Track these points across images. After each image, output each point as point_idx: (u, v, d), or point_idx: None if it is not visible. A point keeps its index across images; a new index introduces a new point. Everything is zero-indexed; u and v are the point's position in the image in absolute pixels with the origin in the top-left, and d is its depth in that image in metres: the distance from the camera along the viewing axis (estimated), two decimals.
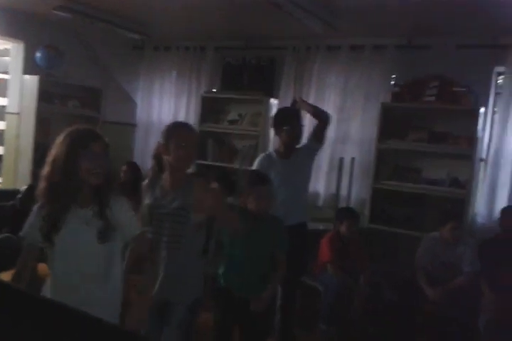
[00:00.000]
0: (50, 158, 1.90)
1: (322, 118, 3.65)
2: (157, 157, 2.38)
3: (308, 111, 3.76)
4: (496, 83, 4.64)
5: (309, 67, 5.31)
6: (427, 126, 4.68)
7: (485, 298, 3.73)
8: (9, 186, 5.20)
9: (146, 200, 2.36)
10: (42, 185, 1.90)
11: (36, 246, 1.93)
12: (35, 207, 1.95)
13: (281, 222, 2.90)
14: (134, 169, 5.12)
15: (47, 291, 1.94)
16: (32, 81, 5.28)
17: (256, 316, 2.70)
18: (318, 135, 3.63)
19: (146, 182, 2.43)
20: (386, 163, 4.84)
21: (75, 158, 1.84)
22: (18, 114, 5.29)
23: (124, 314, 2.06)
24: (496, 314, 3.62)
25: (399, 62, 4.84)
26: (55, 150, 1.90)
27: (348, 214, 4.17)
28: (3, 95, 5.53)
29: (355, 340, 3.88)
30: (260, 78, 5.57)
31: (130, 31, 5.55)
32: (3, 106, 5.51)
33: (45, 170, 1.90)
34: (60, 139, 1.91)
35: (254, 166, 3.56)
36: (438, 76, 4.59)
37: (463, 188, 4.39)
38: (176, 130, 2.34)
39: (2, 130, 5.51)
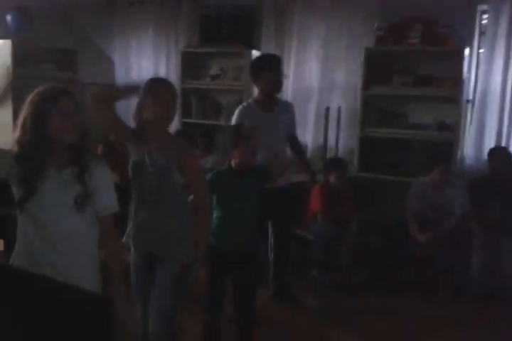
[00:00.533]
0: (19, 120, 1.84)
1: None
2: (137, 116, 2.32)
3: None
4: (480, 22, 4.52)
5: (289, 15, 5.13)
6: (412, 70, 4.60)
7: (477, 239, 3.79)
8: None
9: (132, 157, 2.35)
10: (14, 149, 1.85)
11: None
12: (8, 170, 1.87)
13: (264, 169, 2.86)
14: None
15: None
16: (5, 46, 5.10)
17: (247, 268, 2.74)
18: None
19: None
20: (372, 109, 4.79)
21: (44, 114, 1.78)
22: None
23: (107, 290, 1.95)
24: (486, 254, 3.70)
25: (381, 4, 4.68)
26: (24, 111, 1.83)
27: (335, 164, 4.20)
28: None
29: (345, 286, 3.96)
30: (240, 29, 5.38)
31: None
32: None
33: (16, 133, 1.84)
34: (28, 99, 1.84)
35: (234, 120, 3.44)
36: (421, 17, 4.47)
37: (450, 131, 4.38)
38: (152, 86, 2.28)
39: None
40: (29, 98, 1.84)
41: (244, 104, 3.57)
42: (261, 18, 5.28)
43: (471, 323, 3.44)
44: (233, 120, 3.43)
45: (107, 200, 1.94)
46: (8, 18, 5.03)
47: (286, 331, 3.31)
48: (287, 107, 3.71)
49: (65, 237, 1.86)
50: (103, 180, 1.92)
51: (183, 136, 4.53)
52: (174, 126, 5.52)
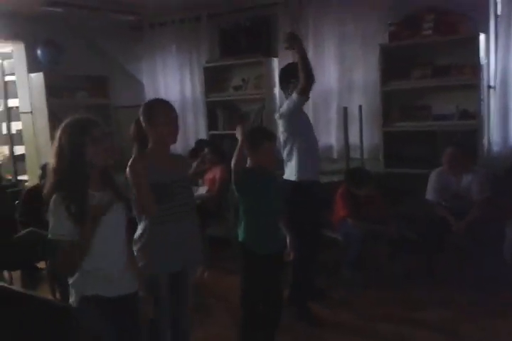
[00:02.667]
0: (54, 151, 1.96)
1: (307, 68, 3.29)
2: (138, 138, 2.43)
3: (299, 52, 3.29)
4: (495, 6, 4.42)
5: (303, 20, 5.22)
6: (429, 61, 4.56)
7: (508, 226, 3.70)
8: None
9: (151, 179, 2.33)
10: (52, 178, 1.95)
11: (67, 240, 1.91)
12: (51, 205, 1.93)
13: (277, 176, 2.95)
14: None
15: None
16: (38, 78, 5.45)
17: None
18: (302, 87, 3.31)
19: (136, 160, 2.37)
20: (393, 105, 4.78)
21: (79, 144, 1.91)
22: (30, 112, 5.50)
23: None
24: None
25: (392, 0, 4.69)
26: (57, 143, 1.96)
27: (364, 179, 4.11)
28: (15, 96, 5.74)
29: (382, 283, 3.96)
30: (257, 39, 5.52)
31: (124, 14, 5.59)
32: (17, 107, 5.73)
33: (52, 163, 1.96)
34: (59, 131, 1.97)
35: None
36: (432, 8, 4.43)
37: (473, 119, 4.29)
38: (156, 108, 2.39)
39: (20, 130, 5.75)
40: (61, 129, 1.98)
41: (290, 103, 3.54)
42: (277, 27, 5.39)
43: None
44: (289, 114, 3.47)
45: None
46: (39, 52, 5.36)
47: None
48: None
49: (120, 244, 2.11)
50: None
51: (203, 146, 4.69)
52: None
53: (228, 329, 3.20)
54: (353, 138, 4.92)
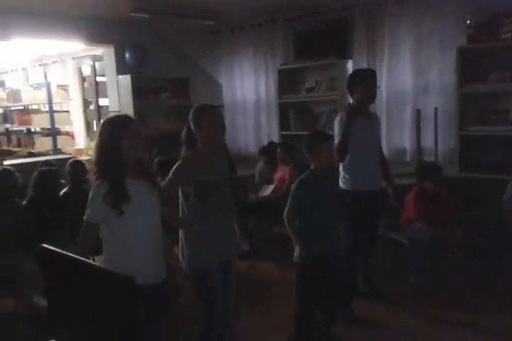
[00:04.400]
0: (96, 145, 2.20)
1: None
2: (188, 140, 2.66)
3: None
4: None
5: (380, 22, 5.23)
6: (508, 65, 4.42)
7: None
8: None
9: (199, 178, 2.54)
10: (95, 167, 2.17)
11: (96, 224, 2.16)
12: (92, 189, 2.16)
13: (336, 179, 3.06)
14: None
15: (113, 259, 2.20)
16: (125, 80, 5.85)
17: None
18: None
19: (183, 162, 2.61)
20: (470, 108, 4.67)
21: (119, 139, 2.12)
22: (119, 111, 5.91)
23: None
24: None
25: (470, 2, 4.60)
26: (99, 138, 2.18)
27: (430, 170, 4.11)
28: (105, 96, 6.20)
29: (449, 289, 3.91)
30: (332, 42, 5.59)
31: (204, 19, 5.87)
32: (107, 106, 6.18)
33: (95, 155, 2.19)
34: (100, 127, 2.21)
35: (337, 126, 3.52)
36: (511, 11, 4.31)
37: None
38: (203, 112, 2.58)
39: None
40: (101, 126, 2.22)
41: (342, 111, 3.64)
42: (352, 29, 5.44)
43: None
44: (338, 124, 3.54)
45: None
46: (127, 55, 5.76)
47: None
48: (377, 118, 3.82)
49: (157, 230, 2.28)
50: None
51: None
52: (274, 140, 5.90)
53: (286, 320, 3.33)
54: (428, 141, 4.89)
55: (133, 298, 1.20)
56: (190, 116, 2.60)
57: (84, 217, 2.17)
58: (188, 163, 2.58)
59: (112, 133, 2.15)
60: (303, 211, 2.91)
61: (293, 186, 2.96)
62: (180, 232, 2.64)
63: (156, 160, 4.61)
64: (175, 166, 2.58)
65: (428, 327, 3.38)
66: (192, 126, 2.59)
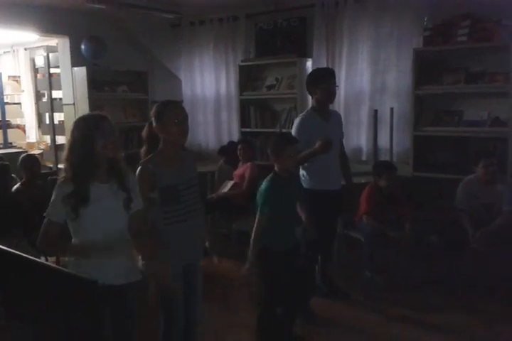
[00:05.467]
0: (67, 143, 2.16)
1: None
2: (149, 139, 2.55)
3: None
4: None
5: (339, 21, 5.29)
6: (462, 67, 4.56)
7: None
8: None
9: (162, 182, 2.41)
10: (65, 166, 2.14)
11: (57, 222, 2.12)
12: (55, 187, 2.14)
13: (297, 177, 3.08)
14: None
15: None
16: (81, 72, 5.69)
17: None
18: None
19: (144, 166, 2.44)
20: (425, 109, 4.81)
21: (92, 137, 2.08)
22: (73, 104, 5.75)
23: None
24: None
25: (428, 4, 4.71)
26: (70, 136, 2.14)
27: (384, 168, 4.22)
28: (59, 88, 6.01)
29: (400, 286, 4.01)
30: (293, 40, 5.62)
31: (165, 12, 5.76)
32: (60, 99, 5.99)
33: (64, 153, 2.15)
34: (72, 126, 2.15)
35: (297, 128, 3.53)
36: (468, 14, 4.44)
37: (504, 127, 4.29)
38: (167, 109, 2.44)
39: (62, 120, 6.01)
40: (73, 124, 2.17)
41: (304, 113, 3.69)
42: (312, 28, 5.48)
43: None
44: (296, 129, 3.55)
45: (139, 204, 2.29)
46: (83, 46, 5.60)
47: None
48: (337, 116, 3.86)
49: (118, 233, 2.21)
50: (134, 187, 2.28)
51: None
52: (234, 136, 5.89)
53: (246, 317, 3.33)
54: (384, 141, 4.99)
55: (95, 301, 1.17)
56: (152, 112, 2.46)
57: (44, 214, 2.12)
58: (147, 170, 2.41)
59: (84, 132, 2.10)
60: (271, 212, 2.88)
61: (261, 194, 2.88)
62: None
63: None
64: (137, 174, 2.39)
65: (383, 325, 3.44)
66: (154, 123, 2.45)
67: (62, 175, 2.16)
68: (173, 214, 2.45)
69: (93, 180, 2.14)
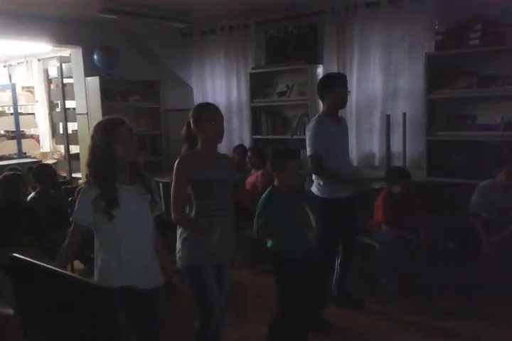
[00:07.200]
0: (88, 148, 2.19)
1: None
2: (188, 138, 2.68)
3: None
4: None
5: (350, 27, 5.28)
6: (475, 71, 4.53)
7: None
8: None
9: (195, 176, 2.53)
10: (88, 170, 2.18)
11: (84, 226, 2.18)
12: (81, 192, 2.20)
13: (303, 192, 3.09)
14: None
15: (106, 265, 2.20)
16: (94, 82, 5.75)
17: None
18: None
19: (181, 160, 2.58)
20: (438, 113, 4.77)
21: (112, 142, 2.12)
22: (86, 114, 5.80)
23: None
24: None
25: (439, 9, 4.70)
26: (91, 141, 2.18)
27: (398, 174, 4.18)
28: (72, 98, 6.07)
29: (415, 292, 3.97)
30: (303, 47, 5.62)
31: (175, 21, 5.81)
32: (74, 109, 6.05)
33: (87, 158, 2.18)
34: (92, 131, 2.20)
35: (312, 134, 3.49)
36: (479, 17, 4.41)
37: None
38: (204, 111, 2.58)
39: (75, 130, 6.06)
40: (93, 129, 2.22)
41: (316, 118, 3.64)
42: (323, 34, 5.48)
43: None
44: (312, 133, 3.51)
45: (159, 207, 2.38)
46: (95, 56, 5.66)
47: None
48: (344, 121, 3.86)
49: (147, 236, 2.27)
50: (156, 188, 2.36)
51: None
52: (246, 143, 5.89)
53: (260, 327, 3.30)
54: (397, 146, 4.96)
55: (112, 310, 1.17)
56: (190, 113, 2.59)
57: (71, 219, 2.17)
58: (184, 162, 2.56)
59: (104, 137, 2.14)
60: (274, 229, 2.84)
61: (258, 205, 2.87)
62: (178, 231, 2.61)
63: None
64: (175, 167, 2.56)
65: (399, 334, 3.39)
66: (192, 124, 2.58)
67: (85, 180, 2.21)
68: (205, 209, 2.52)
69: (117, 182, 2.18)
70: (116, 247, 2.17)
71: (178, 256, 2.60)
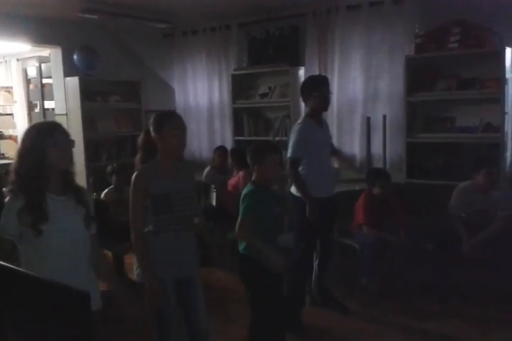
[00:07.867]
0: (18, 152, 1.99)
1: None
2: (144, 147, 2.50)
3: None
4: None
5: (331, 30, 5.31)
6: (454, 74, 4.58)
7: None
8: None
9: (155, 190, 2.37)
10: (13, 178, 1.96)
11: (6, 240, 1.99)
12: (7, 201, 1.96)
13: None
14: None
15: None
16: (73, 82, 5.68)
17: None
18: None
19: (139, 173, 2.41)
20: (418, 116, 4.81)
21: (43, 147, 1.92)
22: (66, 114, 5.73)
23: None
24: None
25: (419, 12, 4.75)
26: (21, 145, 1.98)
27: (377, 175, 4.21)
28: (51, 98, 5.99)
29: (395, 293, 3.99)
30: (285, 48, 5.64)
31: (157, 22, 5.77)
32: (53, 109, 5.97)
33: (14, 163, 1.98)
34: (24, 134, 2.01)
35: (296, 136, 3.49)
36: (459, 21, 4.46)
37: (496, 132, 4.30)
38: (167, 119, 2.40)
39: None
40: (25, 132, 2.01)
41: (302, 120, 3.63)
42: (304, 37, 5.50)
43: None
44: (296, 136, 3.51)
45: (94, 225, 2.14)
46: (75, 56, 5.59)
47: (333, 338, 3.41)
48: (326, 124, 3.86)
49: (80, 252, 2.05)
50: (91, 204, 2.14)
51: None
52: (228, 144, 5.88)
53: (244, 330, 3.27)
54: (377, 148, 4.99)
55: (87, 314, 1.14)
56: (151, 121, 2.42)
57: None
58: (142, 175, 2.39)
59: (36, 140, 1.95)
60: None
61: (243, 203, 2.76)
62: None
63: (110, 167, 4.46)
64: (132, 182, 2.38)
65: (379, 335, 3.40)
66: (152, 132, 2.40)
67: (9, 187, 1.97)
68: (164, 223, 2.39)
69: (46, 191, 1.96)
70: (41, 266, 1.90)
71: (135, 272, 2.47)
